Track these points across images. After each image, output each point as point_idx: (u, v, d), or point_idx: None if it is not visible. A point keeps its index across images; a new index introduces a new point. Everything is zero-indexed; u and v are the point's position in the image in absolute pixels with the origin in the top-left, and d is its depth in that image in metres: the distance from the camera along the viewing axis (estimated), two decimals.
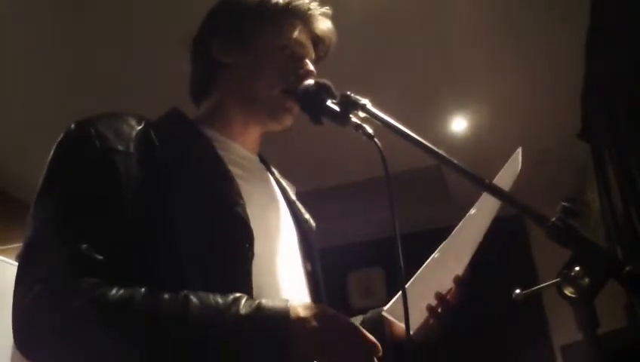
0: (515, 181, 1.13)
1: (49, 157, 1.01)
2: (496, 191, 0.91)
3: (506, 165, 1.15)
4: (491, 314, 3.96)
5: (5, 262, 2.87)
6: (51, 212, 0.94)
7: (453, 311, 1.21)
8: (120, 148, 0.99)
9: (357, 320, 1.32)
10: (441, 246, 1.20)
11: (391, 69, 3.08)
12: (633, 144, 2.51)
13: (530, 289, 0.91)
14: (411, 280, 1.21)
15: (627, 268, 0.72)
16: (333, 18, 1.29)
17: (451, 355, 4.16)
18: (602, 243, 3.17)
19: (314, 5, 1.24)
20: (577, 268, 0.77)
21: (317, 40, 1.26)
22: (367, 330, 1.17)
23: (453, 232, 1.19)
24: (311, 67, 1.20)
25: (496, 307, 3.02)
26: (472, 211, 1.19)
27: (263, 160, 1.28)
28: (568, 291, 0.77)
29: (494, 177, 1.15)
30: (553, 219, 0.80)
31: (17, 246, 3.15)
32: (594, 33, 2.75)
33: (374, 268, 4.43)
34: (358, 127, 1.05)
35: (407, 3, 2.73)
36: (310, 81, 1.13)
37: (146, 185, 0.98)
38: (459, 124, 3.67)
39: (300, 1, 1.23)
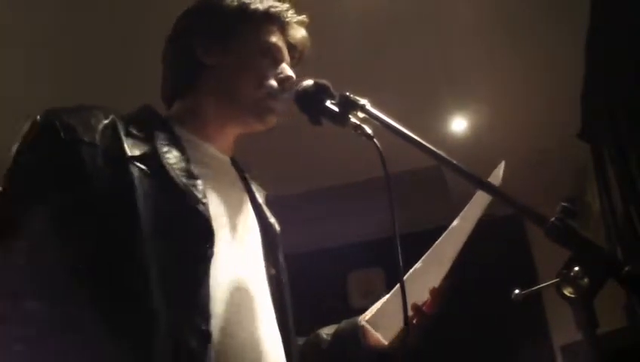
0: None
1: (15, 148, 1.02)
2: (495, 192, 0.91)
3: (489, 178, 1.16)
4: (491, 314, 3.96)
5: None
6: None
7: (428, 321, 1.22)
8: (86, 139, 1.00)
9: (331, 330, 1.33)
10: (423, 257, 1.22)
11: (391, 69, 3.08)
12: (633, 144, 2.51)
13: (530, 290, 0.91)
14: (392, 291, 1.23)
15: (626, 268, 0.72)
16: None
17: (451, 355, 4.17)
18: (602, 243, 3.17)
19: (291, 13, 1.27)
20: (577, 268, 0.77)
21: (292, 46, 1.28)
22: (342, 338, 1.23)
23: (435, 244, 1.20)
24: (290, 72, 1.23)
25: (496, 307, 3.02)
26: (455, 223, 1.20)
27: (235, 162, 1.28)
28: (568, 291, 0.77)
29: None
30: (552, 219, 0.80)
31: None
32: (594, 33, 2.75)
33: (374, 268, 4.43)
34: (358, 127, 1.05)
35: (407, 3, 2.73)
36: (309, 82, 1.14)
37: (111, 178, 0.99)
38: (459, 124, 3.67)
39: (279, 8, 1.25)
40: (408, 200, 3.90)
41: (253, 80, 1.20)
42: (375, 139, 1.03)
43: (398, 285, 1.19)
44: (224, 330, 1.00)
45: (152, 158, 1.04)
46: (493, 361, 4.12)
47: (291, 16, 1.26)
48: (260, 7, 1.23)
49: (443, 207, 4.25)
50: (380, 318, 1.24)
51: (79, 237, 0.94)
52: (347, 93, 1.08)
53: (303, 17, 1.29)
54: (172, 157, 1.07)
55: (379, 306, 1.25)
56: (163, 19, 1.28)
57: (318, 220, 4.31)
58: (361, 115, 1.06)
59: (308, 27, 1.32)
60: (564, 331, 3.96)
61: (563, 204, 0.79)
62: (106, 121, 1.05)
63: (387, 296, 1.27)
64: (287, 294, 1.22)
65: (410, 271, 1.22)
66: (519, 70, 3.20)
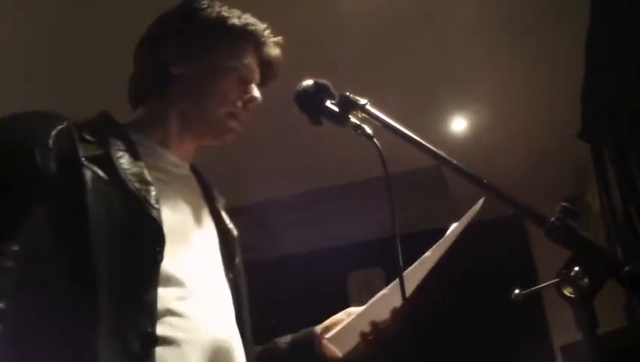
0: (467, 225, 1.20)
1: None
2: (495, 192, 0.91)
3: (468, 212, 1.19)
4: (491, 314, 3.96)
5: None
6: None
7: (383, 339, 1.25)
8: (40, 142, 1.01)
9: (287, 339, 1.35)
10: (392, 283, 1.24)
11: (391, 69, 3.08)
12: (633, 144, 2.51)
13: (530, 290, 0.91)
14: (361, 308, 1.26)
15: (626, 268, 0.72)
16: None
17: (451, 355, 4.17)
18: (602, 243, 3.17)
19: (268, 33, 1.26)
20: (577, 269, 0.77)
21: (265, 66, 1.27)
22: (298, 348, 1.27)
23: (407, 271, 1.22)
24: (257, 94, 1.23)
25: (496, 307, 3.02)
26: (427, 254, 1.24)
27: (194, 169, 1.28)
28: (567, 291, 0.77)
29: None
30: (552, 219, 0.80)
31: None
32: (594, 33, 2.75)
33: (374, 268, 4.43)
34: (358, 127, 1.05)
35: (407, 3, 2.73)
36: (309, 82, 1.14)
37: (64, 181, 1.00)
38: (459, 124, 3.67)
39: (256, 27, 1.24)
40: (408, 200, 3.90)
41: (217, 97, 1.20)
42: (375, 139, 1.03)
43: (365, 306, 1.25)
44: (172, 334, 1.00)
45: (106, 162, 1.05)
46: (493, 361, 4.12)
47: (268, 35, 1.26)
48: (238, 23, 1.22)
49: (443, 207, 4.25)
50: (340, 333, 1.27)
51: (33, 237, 0.95)
52: (347, 93, 1.08)
53: (278, 39, 1.28)
54: (125, 162, 1.08)
55: (343, 326, 1.28)
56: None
57: (318, 220, 4.31)
58: (361, 114, 1.06)
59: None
60: (564, 331, 3.96)
61: (563, 204, 0.80)
62: (60, 127, 1.05)
63: (351, 313, 1.31)
64: (244, 298, 1.22)
65: (378, 295, 1.25)
66: (519, 70, 3.20)
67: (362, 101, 1.07)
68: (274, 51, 1.27)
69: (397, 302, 1.24)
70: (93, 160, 1.04)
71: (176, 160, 1.21)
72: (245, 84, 1.22)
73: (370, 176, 3.58)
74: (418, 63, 3.09)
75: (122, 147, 1.10)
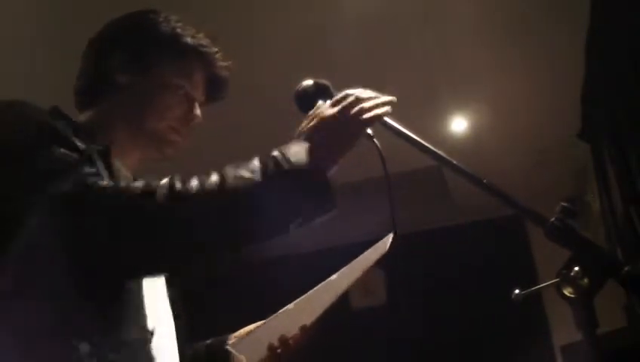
0: (378, 261, 1.23)
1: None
2: (495, 192, 0.91)
3: (376, 244, 1.20)
4: (491, 314, 3.96)
5: None
6: None
7: (292, 354, 1.26)
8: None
9: (205, 342, 1.36)
10: (297, 301, 1.28)
11: (391, 69, 3.08)
12: (633, 144, 2.51)
13: (529, 290, 0.92)
14: (266, 320, 1.29)
15: (626, 268, 0.72)
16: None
17: (452, 355, 4.17)
18: (602, 243, 3.17)
19: (218, 56, 1.26)
20: (576, 269, 0.77)
21: (210, 86, 1.27)
22: (213, 354, 1.30)
23: (312, 290, 1.26)
24: (198, 113, 1.23)
25: (497, 307, 3.02)
26: (334, 277, 1.26)
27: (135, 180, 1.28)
28: (567, 291, 0.77)
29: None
30: (552, 219, 0.80)
31: None
32: (594, 33, 2.75)
33: (374, 268, 4.43)
34: None
35: (407, 3, 2.74)
36: (309, 82, 1.13)
37: None
38: (459, 124, 3.67)
39: (207, 48, 1.24)
40: (408, 200, 3.90)
41: (158, 111, 1.20)
42: (375, 139, 1.03)
43: (270, 318, 1.28)
44: None
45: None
46: (493, 361, 4.13)
47: (218, 58, 1.26)
48: (191, 42, 1.22)
49: (443, 207, 4.25)
50: (245, 343, 1.29)
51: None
52: None
53: (228, 64, 1.28)
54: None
55: (245, 333, 1.31)
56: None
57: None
58: None
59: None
60: (564, 331, 3.96)
61: (563, 204, 0.80)
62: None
63: (258, 324, 1.33)
64: (178, 304, 1.23)
65: (287, 306, 1.28)
66: (519, 70, 3.20)
67: None
68: (223, 73, 1.28)
69: (307, 319, 1.26)
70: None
71: (123, 169, 1.19)
72: (189, 102, 1.22)
73: (370, 176, 3.58)
74: (418, 63, 3.09)
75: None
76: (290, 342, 1.26)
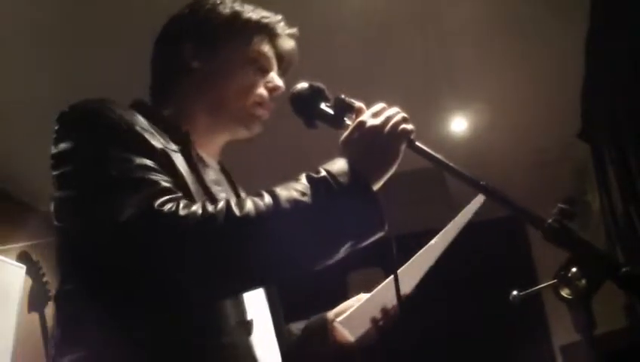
0: (467, 223, 1.23)
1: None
2: (493, 194, 0.91)
3: (467, 206, 1.21)
4: (491, 314, 3.96)
5: (5, 262, 2.87)
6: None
7: (393, 323, 1.28)
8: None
9: (301, 324, 1.36)
10: (402, 268, 1.24)
11: (391, 70, 3.08)
12: (633, 144, 2.51)
13: (527, 291, 0.92)
14: (369, 295, 1.28)
15: (624, 269, 0.72)
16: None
17: (452, 355, 4.17)
18: (602, 243, 3.17)
19: (283, 25, 1.26)
20: (574, 270, 0.77)
21: (280, 58, 1.28)
22: (311, 334, 1.30)
23: (411, 259, 1.24)
24: (279, 82, 1.23)
25: (496, 307, 3.02)
26: (433, 241, 1.25)
27: (223, 168, 1.29)
28: (565, 292, 0.77)
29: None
30: (550, 220, 0.80)
31: (17, 246, 3.14)
32: (594, 33, 2.75)
33: (374, 268, 4.43)
34: None
35: (407, 3, 2.73)
36: (304, 84, 1.13)
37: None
38: (459, 124, 3.67)
39: (271, 19, 1.25)
40: (408, 200, 3.90)
41: (238, 88, 1.20)
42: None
43: (372, 292, 1.26)
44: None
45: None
46: (493, 361, 4.13)
47: (283, 27, 1.26)
48: (253, 16, 1.23)
49: (443, 207, 4.25)
50: (350, 317, 1.28)
51: None
52: (342, 96, 1.08)
53: (294, 30, 1.29)
54: (183, 158, 1.08)
55: (353, 308, 1.29)
56: (165, 19, 1.27)
57: None
58: (356, 117, 1.06)
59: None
60: (564, 331, 3.96)
61: (560, 205, 0.79)
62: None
63: (358, 298, 1.34)
64: (272, 292, 1.24)
65: (387, 280, 1.25)
66: (519, 70, 3.20)
67: (358, 103, 1.07)
68: (289, 43, 1.28)
69: (406, 288, 1.25)
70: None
71: (210, 159, 1.22)
72: (265, 73, 1.23)
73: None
74: (418, 63, 3.09)
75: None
76: (392, 312, 1.27)
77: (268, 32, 1.24)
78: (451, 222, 1.23)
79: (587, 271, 0.76)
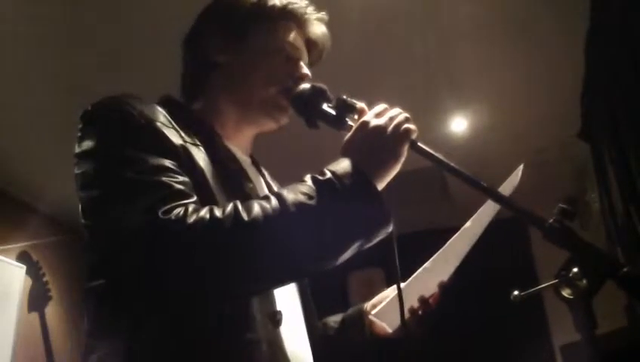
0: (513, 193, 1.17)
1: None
2: (493, 194, 0.91)
3: (509, 178, 1.18)
4: (491, 314, 3.96)
5: (5, 262, 2.87)
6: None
7: (432, 312, 1.26)
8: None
9: (338, 317, 1.35)
10: (434, 256, 1.24)
11: (391, 70, 3.08)
12: (633, 144, 2.50)
13: (528, 291, 0.92)
14: (402, 285, 1.24)
15: (624, 269, 0.72)
16: (334, 18, 1.29)
17: (452, 355, 4.17)
18: (602, 243, 3.17)
19: (310, 10, 1.25)
20: (575, 270, 0.77)
21: (311, 44, 1.26)
22: (348, 326, 1.28)
23: (446, 244, 1.22)
24: (306, 70, 1.21)
25: (497, 307, 3.02)
26: (468, 224, 1.22)
27: (254, 161, 1.28)
28: (566, 293, 0.77)
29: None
30: (550, 221, 0.80)
31: (17, 246, 3.14)
32: (594, 33, 2.75)
33: (374, 268, 4.43)
34: None
35: (407, 3, 2.73)
36: (305, 85, 1.14)
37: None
38: (459, 124, 3.67)
39: (297, 5, 1.23)
40: (408, 200, 3.90)
41: (264, 79, 1.18)
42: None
43: (407, 281, 1.23)
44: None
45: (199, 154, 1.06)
46: (493, 361, 4.12)
47: (310, 12, 1.24)
48: (278, 4, 1.21)
49: (443, 207, 4.25)
50: (386, 309, 1.26)
51: None
52: (344, 97, 1.08)
53: (322, 14, 1.27)
54: (219, 154, 1.10)
55: (389, 299, 1.26)
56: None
57: None
58: (358, 117, 1.06)
59: None
60: (564, 331, 3.95)
61: (561, 205, 0.79)
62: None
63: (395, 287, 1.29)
64: (302, 283, 1.24)
65: (420, 269, 1.24)
66: (519, 70, 3.20)
67: (360, 104, 1.07)
68: (318, 28, 1.26)
69: (444, 275, 1.24)
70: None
71: (240, 153, 1.21)
72: (293, 63, 1.21)
73: None
74: (418, 64, 3.09)
75: (209, 136, 1.12)
76: (430, 301, 1.25)
77: (294, 19, 1.22)
78: (486, 204, 1.19)
79: (588, 271, 0.76)
